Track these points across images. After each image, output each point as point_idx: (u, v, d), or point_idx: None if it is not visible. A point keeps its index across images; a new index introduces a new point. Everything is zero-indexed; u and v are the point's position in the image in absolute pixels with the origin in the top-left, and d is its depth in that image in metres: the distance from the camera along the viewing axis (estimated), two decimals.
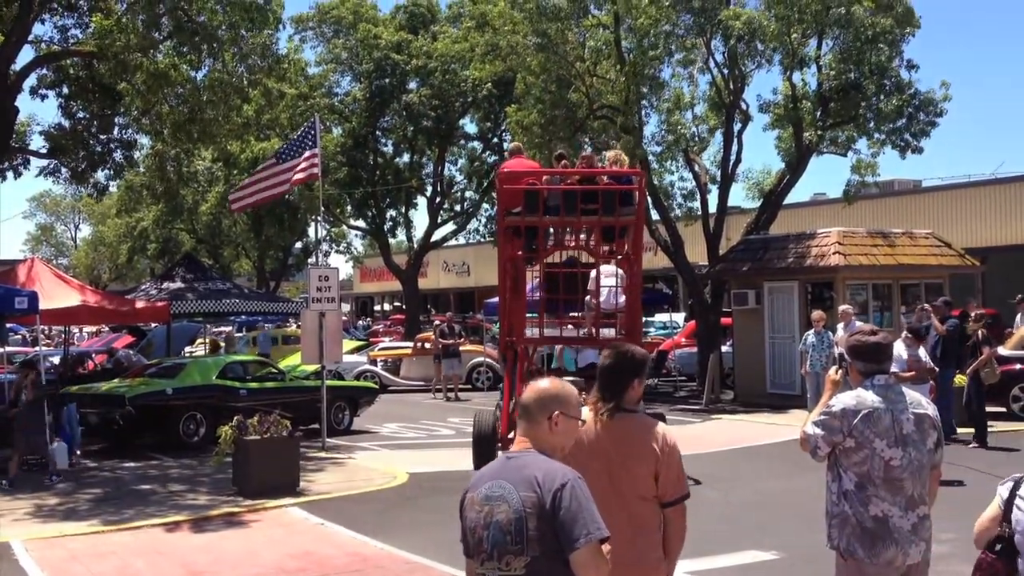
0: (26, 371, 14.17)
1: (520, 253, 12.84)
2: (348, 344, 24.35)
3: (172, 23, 16.09)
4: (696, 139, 23.50)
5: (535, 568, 3.33)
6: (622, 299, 12.70)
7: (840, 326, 15.99)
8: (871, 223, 26.08)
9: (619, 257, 12.99)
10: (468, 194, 41.35)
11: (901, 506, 4.53)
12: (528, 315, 13.11)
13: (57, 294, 16.41)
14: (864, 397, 4.59)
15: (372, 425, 18.77)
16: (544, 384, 3.65)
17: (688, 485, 4.35)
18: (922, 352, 12.54)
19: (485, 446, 12.49)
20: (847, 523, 4.59)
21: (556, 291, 12.91)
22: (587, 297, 12.82)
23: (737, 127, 23.09)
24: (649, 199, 23.10)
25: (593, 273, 12.87)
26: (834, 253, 19.36)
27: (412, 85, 36.88)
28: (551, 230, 12.89)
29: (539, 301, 12.96)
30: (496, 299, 19.72)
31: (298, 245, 46.82)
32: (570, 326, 13.47)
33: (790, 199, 24.92)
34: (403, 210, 41.17)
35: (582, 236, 13.47)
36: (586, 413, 4.20)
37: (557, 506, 3.30)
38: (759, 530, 9.68)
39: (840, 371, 4.93)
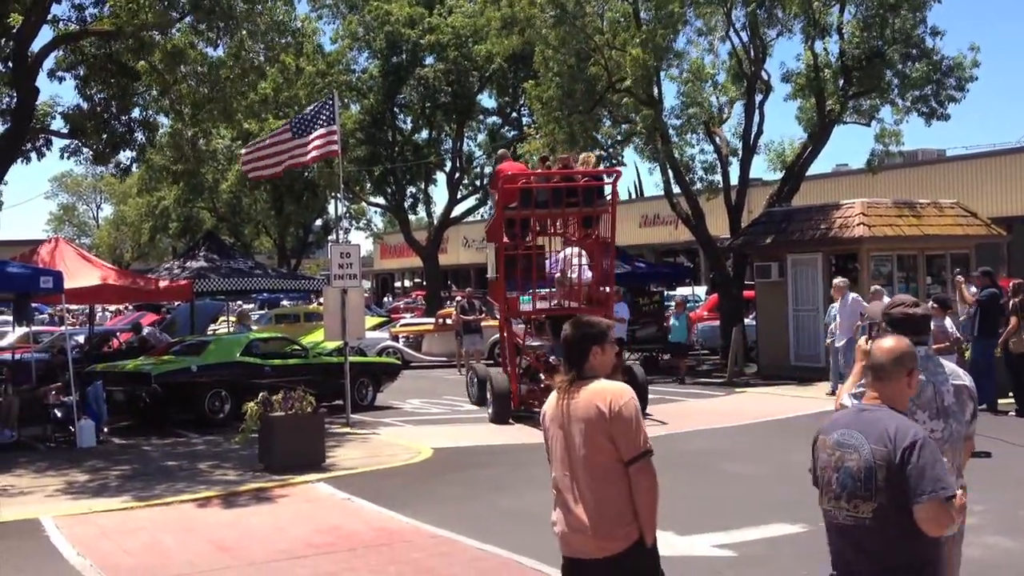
0: None
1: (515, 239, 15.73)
2: (370, 320, 24.39)
3: (189, 1, 16.04)
4: (716, 110, 23.30)
5: (881, 515, 3.69)
6: (588, 275, 15.98)
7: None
8: (895, 194, 25.83)
9: (596, 239, 15.97)
10: (487, 169, 41.20)
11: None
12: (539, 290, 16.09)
13: (81, 273, 16.52)
14: None
15: (395, 401, 18.82)
16: (892, 343, 3.99)
17: (649, 442, 4.20)
18: (948, 323, 12.42)
19: (504, 400, 15.64)
20: None
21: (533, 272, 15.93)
22: (556, 275, 16.08)
23: (759, 98, 22.89)
24: (670, 172, 23.00)
25: (562, 255, 16.25)
26: (858, 224, 19.18)
27: (428, 61, 36.69)
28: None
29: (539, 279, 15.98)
30: None
31: (318, 222, 46.87)
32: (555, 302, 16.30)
33: (812, 170, 24.72)
34: (422, 186, 41.06)
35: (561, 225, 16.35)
36: None
37: (906, 461, 3.62)
38: (785, 503, 9.62)
39: (870, 341, 4.86)
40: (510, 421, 15.54)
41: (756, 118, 22.89)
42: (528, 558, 7.89)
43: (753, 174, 24.64)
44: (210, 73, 17.43)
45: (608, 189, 16.06)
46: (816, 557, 7.97)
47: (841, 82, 21.30)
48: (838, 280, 16.96)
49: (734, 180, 23.70)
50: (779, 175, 24.38)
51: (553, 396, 4.42)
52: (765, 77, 22.90)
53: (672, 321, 21.53)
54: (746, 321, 22.27)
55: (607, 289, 16.22)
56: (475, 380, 17.82)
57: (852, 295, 16.74)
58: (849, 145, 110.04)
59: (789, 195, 22.95)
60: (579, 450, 4.21)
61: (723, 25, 22.34)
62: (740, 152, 23.45)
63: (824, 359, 18.80)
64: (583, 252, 16.07)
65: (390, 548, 8.38)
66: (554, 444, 4.35)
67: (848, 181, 34.52)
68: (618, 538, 4.14)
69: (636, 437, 4.14)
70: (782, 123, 69.66)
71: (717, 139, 23.54)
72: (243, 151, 19.92)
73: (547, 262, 16.72)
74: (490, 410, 16.05)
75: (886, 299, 15.38)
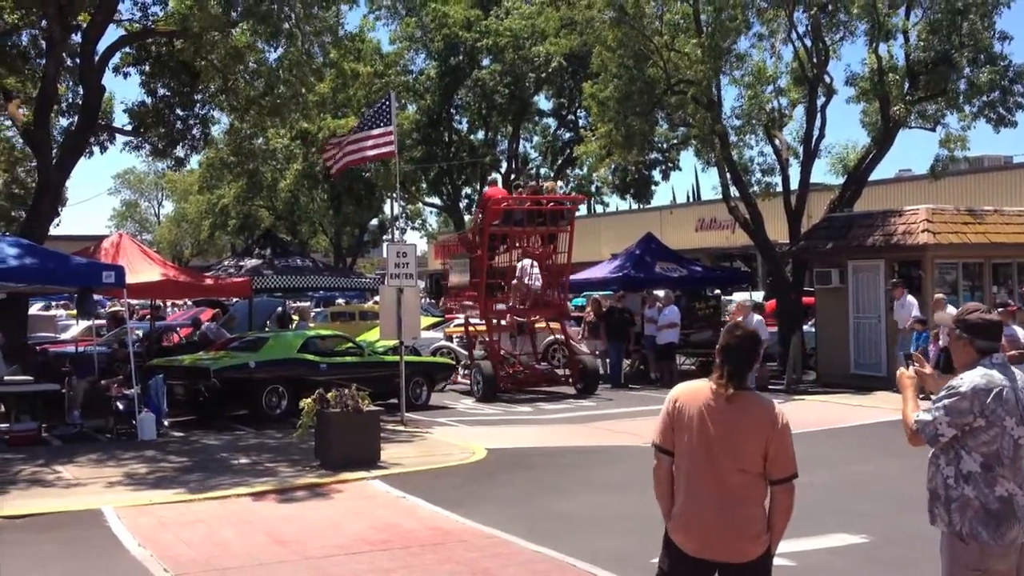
0: None
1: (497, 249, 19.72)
2: (425, 320, 24.46)
3: (244, 6, 16.20)
4: (777, 113, 23.02)
5: None
6: (538, 283, 19.37)
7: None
8: (959, 200, 25.30)
9: (557, 253, 20.05)
10: (543, 171, 41.21)
11: (1021, 484, 4.42)
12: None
13: (143, 269, 16.81)
14: (992, 375, 4.45)
15: (449, 401, 18.85)
16: None
17: (797, 466, 4.36)
18: (1019, 331, 12.13)
19: (492, 383, 18.92)
20: (968, 506, 4.43)
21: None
22: (514, 281, 19.38)
23: (821, 101, 22.56)
24: (728, 175, 22.78)
25: (519, 265, 19.41)
26: (923, 231, 18.81)
27: (485, 62, 36.79)
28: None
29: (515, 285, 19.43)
30: (570, 276, 23.63)
31: (373, 222, 47.19)
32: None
33: (874, 176, 24.30)
34: (478, 187, 41.20)
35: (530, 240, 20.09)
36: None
37: None
38: (846, 512, 9.47)
39: (914, 367, 4.85)
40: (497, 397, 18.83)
41: (818, 122, 22.57)
42: (584, 562, 7.83)
43: (814, 179, 24.27)
44: (267, 74, 17.62)
45: (567, 214, 20.55)
46: (878, 568, 7.85)
47: (906, 86, 20.92)
48: (742, 298, 16.52)
49: (794, 184, 23.38)
50: (840, 180, 24.01)
51: (697, 389, 4.40)
52: (828, 80, 22.57)
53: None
54: (805, 328, 21.93)
55: (558, 294, 20.14)
56: (480, 378, 19.29)
57: (756, 316, 17.02)
58: (912, 150, 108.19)
59: (851, 200, 22.58)
60: (732, 457, 4.26)
61: (785, 27, 22.06)
62: (801, 155, 23.13)
63: (885, 368, 18.49)
64: (535, 263, 19.53)
65: (445, 547, 8.38)
66: (695, 442, 4.31)
67: (911, 187, 33.92)
68: (760, 544, 4.31)
69: (789, 459, 4.33)
70: (845, 127, 68.89)
71: (777, 142, 23.23)
72: (324, 155, 20.35)
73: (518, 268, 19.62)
74: (479, 390, 19.05)
75: (950, 307, 15.16)
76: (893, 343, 18.45)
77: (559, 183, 24.91)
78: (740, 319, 15.34)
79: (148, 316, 22.24)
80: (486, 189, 21.45)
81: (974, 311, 4.69)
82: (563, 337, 20.87)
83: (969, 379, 4.47)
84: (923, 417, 4.53)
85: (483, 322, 20.03)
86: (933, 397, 4.62)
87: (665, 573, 4.46)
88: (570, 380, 20.18)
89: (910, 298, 18.13)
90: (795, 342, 20.46)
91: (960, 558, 4.50)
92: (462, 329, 27.85)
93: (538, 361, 21.12)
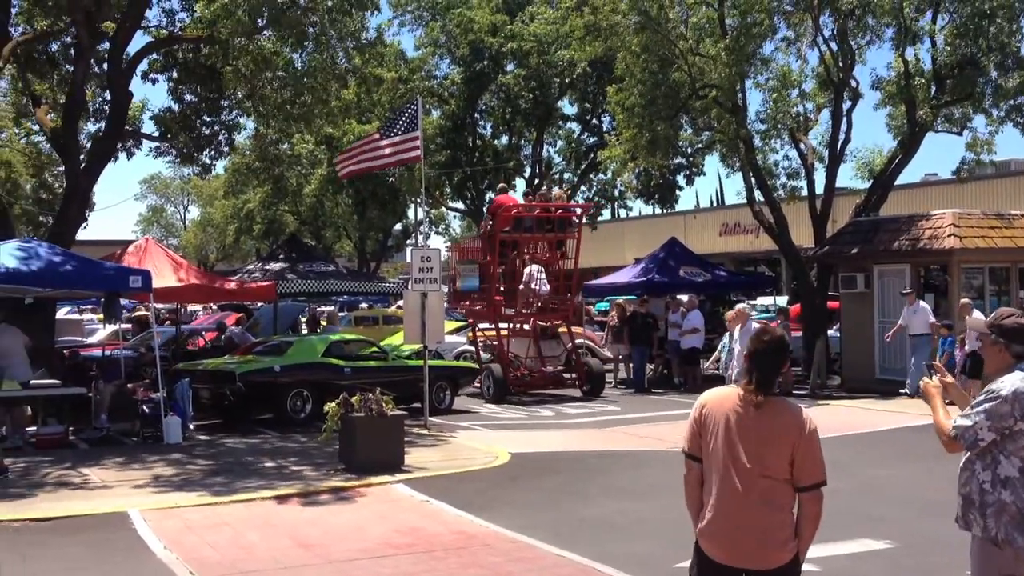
0: None
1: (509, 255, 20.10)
2: (448, 325, 24.51)
3: (270, 14, 16.31)
4: (802, 117, 22.92)
5: None
6: (546, 288, 19.88)
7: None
8: (986, 205, 25.10)
9: (564, 259, 20.53)
10: (566, 176, 41.20)
11: None
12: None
13: (168, 273, 16.94)
14: None
15: (472, 405, 18.88)
16: None
17: (826, 473, 4.33)
18: None
19: (502, 386, 19.37)
20: (1005, 511, 4.41)
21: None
22: (521, 286, 19.80)
23: (847, 105, 22.43)
24: (753, 180, 22.70)
25: (526, 270, 19.87)
26: (949, 235, 18.67)
27: (509, 67, 36.85)
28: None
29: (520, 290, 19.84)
30: (594, 281, 26.51)
31: (397, 227, 47.35)
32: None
33: (900, 180, 24.13)
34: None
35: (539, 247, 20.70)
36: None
37: None
38: (870, 518, 9.42)
39: (937, 377, 4.79)
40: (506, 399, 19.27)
41: (843, 125, 22.45)
42: (608, 566, 7.83)
43: (839, 183, 24.13)
44: (293, 80, 17.72)
45: (574, 221, 21.36)
46: (902, 573, 7.80)
47: (933, 90, 20.78)
48: (739, 307, 15.57)
49: (819, 188, 23.28)
50: (866, 184, 23.86)
51: (724, 396, 4.40)
52: (853, 84, 22.45)
53: None
54: (829, 332, 21.81)
55: (565, 299, 20.55)
56: (491, 380, 19.61)
57: (755, 324, 15.55)
58: (938, 154, 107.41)
59: (877, 204, 22.43)
60: (757, 463, 4.25)
61: (811, 31, 21.97)
62: (826, 160, 23.01)
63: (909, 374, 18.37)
64: (541, 268, 20.05)
65: (469, 551, 8.39)
66: (722, 448, 4.31)
67: (937, 191, 33.67)
68: (787, 551, 4.29)
69: (816, 466, 4.30)
70: (870, 131, 68.56)
71: (802, 146, 23.12)
72: (336, 160, 20.56)
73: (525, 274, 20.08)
74: (491, 392, 19.49)
75: (976, 312, 14.99)
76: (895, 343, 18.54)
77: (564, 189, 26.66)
78: (738, 327, 14.85)
79: (169, 321, 22.44)
80: (496, 196, 22.32)
81: (1009, 316, 4.67)
82: (575, 340, 21.19)
83: (1010, 382, 4.45)
84: (962, 422, 4.49)
85: (490, 326, 20.55)
86: (960, 406, 4.61)
87: None
88: (577, 383, 20.48)
89: (923, 304, 18.31)
90: (820, 347, 20.37)
91: (992, 563, 4.47)
92: (486, 334, 27.97)
93: (543, 364, 21.20)
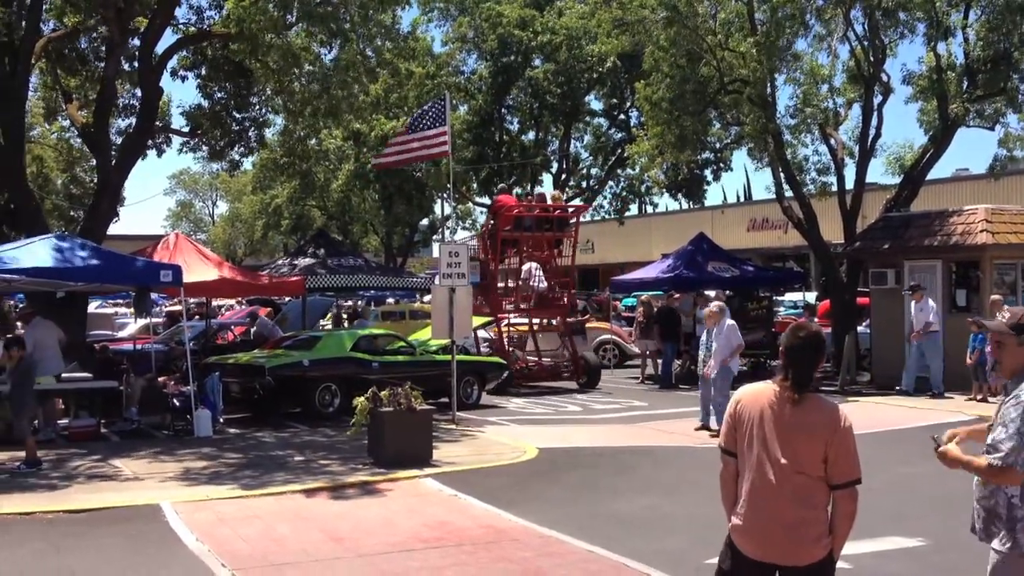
0: (11, 349, 12.32)
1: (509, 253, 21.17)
2: (476, 320, 24.55)
3: (300, 10, 16.36)
4: (832, 112, 22.74)
5: None
6: (543, 284, 20.98)
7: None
8: (1019, 200, 24.82)
9: (561, 256, 21.69)
10: (593, 171, 41.14)
11: None
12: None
13: (198, 268, 17.06)
14: None
15: (500, 400, 18.91)
16: None
17: (861, 471, 4.30)
18: None
19: (508, 378, 19.73)
20: None
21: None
22: (519, 282, 20.91)
23: (877, 100, 22.23)
24: (782, 174, 22.57)
25: (525, 267, 21.00)
26: (981, 231, 18.48)
27: (537, 62, 36.79)
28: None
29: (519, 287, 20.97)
30: (621, 276, 26.65)
31: (424, 222, 47.42)
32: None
33: (931, 175, 23.91)
34: (529, 187, 41.20)
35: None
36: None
37: None
38: (901, 515, 9.36)
39: (943, 447, 4.60)
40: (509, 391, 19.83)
41: (874, 120, 22.25)
42: (637, 562, 7.82)
43: (869, 178, 23.92)
44: (322, 75, 17.78)
45: (571, 221, 22.45)
46: (934, 572, 7.74)
47: (965, 84, 20.57)
48: (714, 305, 15.10)
49: (849, 184, 23.08)
50: (897, 179, 23.66)
51: (760, 391, 4.38)
52: (884, 79, 22.24)
53: None
54: (859, 328, 21.64)
55: (562, 294, 21.58)
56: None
57: (729, 321, 14.95)
58: (970, 149, 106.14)
59: (907, 200, 22.23)
60: (791, 459, 4.24)
61: (842, 26, 21.80)
62: (856, 155, 22.82)
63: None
64: (539, 265, 21.08)
65: (498, 546, 8.41)
66: (756, 444, 4.30)
67: (968, 187, 33.36)
68: (820, 547, 4.27)
69: (850, 464, 4.26)
70: (901, 126, 67.75)
71: (832, 141, 22.94)
72: (374, 160, 20.99)
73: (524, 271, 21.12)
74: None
75: (1007, 308, 14.80)
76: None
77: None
78: (715, 325, 14.57)
79: (198, 315, 22.61)
80: (496, 196, 24.16)
81: None
82: (580, 337, 22.34)
83: None
84: (1004, 447, 4.24)
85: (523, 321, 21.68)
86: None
87: (725, 573, 4.45)
88: (575, 375, 21.16)
89: (930, 302, 18.29)
90: (849, 343, 20.22)
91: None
92: (513, 329, 28.10)
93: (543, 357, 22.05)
